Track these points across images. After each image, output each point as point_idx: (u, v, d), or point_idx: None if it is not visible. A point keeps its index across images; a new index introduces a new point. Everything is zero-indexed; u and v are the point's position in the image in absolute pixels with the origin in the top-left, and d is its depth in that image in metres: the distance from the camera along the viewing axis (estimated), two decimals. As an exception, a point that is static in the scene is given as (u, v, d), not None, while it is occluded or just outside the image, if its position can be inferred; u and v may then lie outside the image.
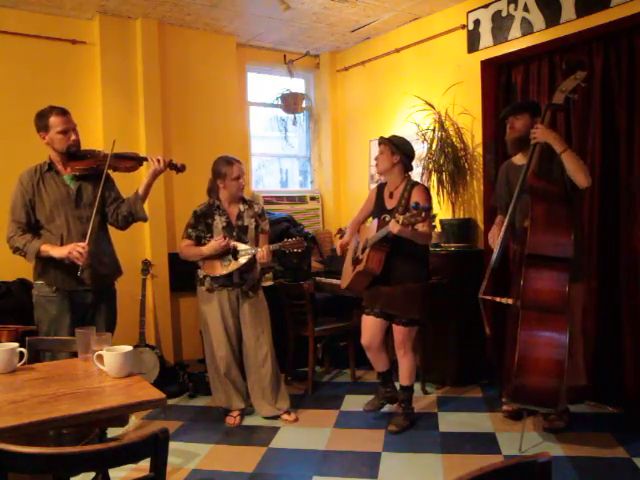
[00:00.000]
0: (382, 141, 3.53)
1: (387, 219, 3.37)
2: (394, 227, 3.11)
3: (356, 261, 3.56)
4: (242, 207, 3.75)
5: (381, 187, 3.67)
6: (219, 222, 3.67)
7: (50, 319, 2.98)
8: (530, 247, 3.01)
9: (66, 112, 3.02)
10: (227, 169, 3.65)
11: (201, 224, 3.69)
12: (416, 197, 3.36)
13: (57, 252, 2.91)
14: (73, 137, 3.01)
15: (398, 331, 3.51)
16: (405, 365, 3.55)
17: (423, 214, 2.97)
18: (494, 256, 3.21)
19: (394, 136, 3.59)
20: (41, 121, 2.99)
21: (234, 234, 3.67)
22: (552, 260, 3.00)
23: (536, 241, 3.01)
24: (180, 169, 3.28)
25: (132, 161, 3.20)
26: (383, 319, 3.56)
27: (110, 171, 3.15)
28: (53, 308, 2.99)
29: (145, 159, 3.23)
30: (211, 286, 3.67)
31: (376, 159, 3.56)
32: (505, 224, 3.19)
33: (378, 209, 3.59)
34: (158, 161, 3.15)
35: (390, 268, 3.42)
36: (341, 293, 4.33)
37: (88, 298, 3.06)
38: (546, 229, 3.02)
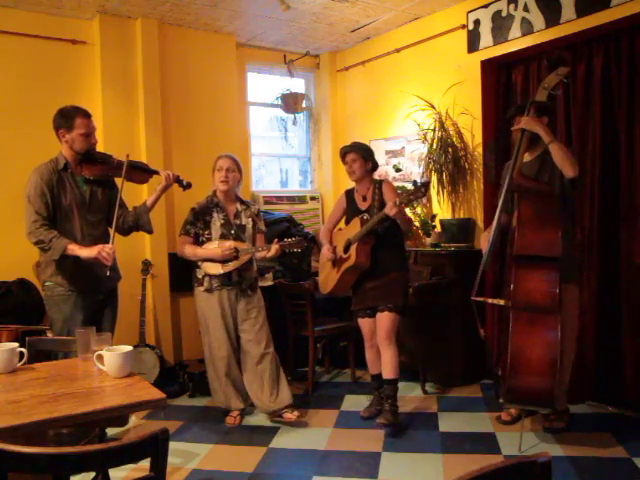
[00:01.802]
0: (352, 150, 3.62)
1: (365, 217, 3.52)
2: (391, 209, 3.23)
3: (339, 262, 3.62)
4: (239, 207, 3.78)
5: (350, 193, 3.78)
6: (217, 219, 3.69)
7: (64, 317, 3.00)
8: (518, 248, 3.01)
9: (90, 115, 3.05)
10: (215, 162, 3.74)
11: (199, 221, 3.71)
12: (387, 191, 3.57)
13: (85, 252, 2.90)
14: (94, 140, 3.04)
15: (384, 318, 3.52)
16: (389, 357, 3.53)
17: (423, 190, 3.16)
18: (484, 258, 3.21)
19: (359, 143, 3.70)
20: (65, 120, 2.98)
21: (232, 232, 3.69)
22: (541, 260, 3.00)
23: (524, 241, 3.00)
24: (186, 186, 3.33)
25: (145, 174, 3.24)
26: (375, 318, 3.63)
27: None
28: (67, 307, 3.00)
29: (156, 172, 3.27)
30: (210, 286, 3.67)
31: (350, 167, 3.62)
32: (494, 222, 3.18)
33: (352, 213, 3.68)
34: (167, 177, 3.21)
35: (373, 262, 3.52)
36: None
37: (100, 296, 3.11)
38: (533, 229, 3.02)
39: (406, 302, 3.59)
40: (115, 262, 3.23)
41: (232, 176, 3.69)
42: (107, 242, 3.14)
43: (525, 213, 3.04)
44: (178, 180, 3.30)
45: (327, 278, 3.75)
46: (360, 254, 3.48)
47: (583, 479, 2.81)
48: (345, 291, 3.73)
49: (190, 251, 3.68)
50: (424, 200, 4.80)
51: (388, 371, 3.55)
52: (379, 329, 3.56)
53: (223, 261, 3.61)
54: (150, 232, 3.33)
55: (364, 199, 3.65)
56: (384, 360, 3.56)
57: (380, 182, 3.64)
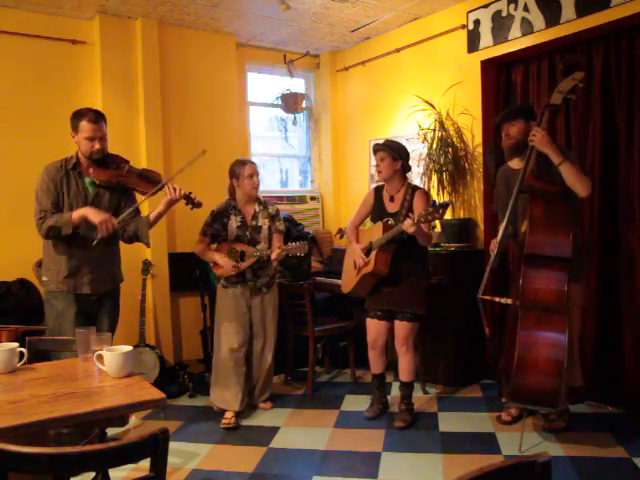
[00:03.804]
0: (381, 148, 3.56)
1: (390, 222, 3.48)
2: (410, 227, 3.18)
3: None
4: (257, 208, 3.87)
5: (379, 190, 3.71)
6: (234, 221, 3.80)
7: (56, 313, 3.02)
8: (529, 247, 3.01)
9: (98, 119, 3.00)
10: (240, 168, 3.79)
11: (217, 223, 3.82)
12: (418, 201, 3.49)
13: (92, 215, 2.89)
14: (97, 146, 2.98)
15: (402, 327, 3.54)
16: (407, 361, 3.60)
17: (440, 211, 3.11)
18: (493, 257, 3.22)
19: (390, 141, 3.62)
20: (74, 121, 3.01)
21: (247, 233, 3.79)
22: (551, 260, 3.00)
23: (535, 241, 3.01)
24: (196, 205, 3.16)
25: (151, 186, 3.10)
26: (386, 320, 3.63)
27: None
28: (59, 303, 3.02)
29: (163, 186, 3.11)
30: (226, 282, 3.81)
31: (378, 166, 3.56)
32: (504, 225, 3.19)
33: (378, 212, 3.64)
34: (174, 190, 3.07)
35: (394, 268, 3.48)
36: (341, 293, 4.33)
37: (93, 296, 3.10)
38: (545, 229, 3.02)
39: (424, 309, 3.57)
40: (118, 265, 3.26)
41: (259, 180, 3.85)
42: (106, 246, 3.11)
43: (536, 213, 3.04)
44: (187, 197, 3.13)
45: (349, 278, 3.73)
46: (379, 261, 3.44)
47: (583, 479, 2.81)
48: (364, 293, 3.70)
49: (201, 251, 3.83)
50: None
51: (404, 374, 3.63)
52: (397, 337, 3.59)
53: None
54: (147, 245, 3.24)
55: (391, 199, 3.60)
56: (401, 364, 3.63)
57: (414, 188, 3.57)
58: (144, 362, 4.19)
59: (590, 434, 3.33)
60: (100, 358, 1.99)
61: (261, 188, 5.61)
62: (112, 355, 1.96)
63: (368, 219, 3.86)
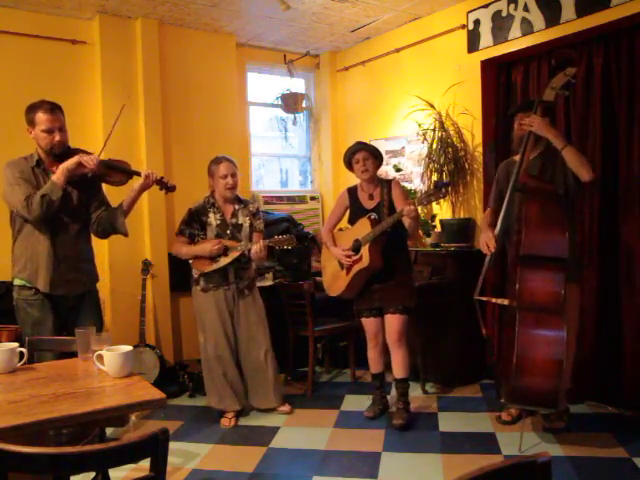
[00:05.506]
0: (364, 148, 3.62)
1: (374, 216, 3.52)
2: (412, 211, 3.25)
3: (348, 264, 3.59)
4: (237, 206, 3.78)
5: (352, 191, 3.76)
6: (213, 220, 3.72)
7: (33, 322, 2.90)
8: (525, 248, 3.01)
9: (55, 109, 2.84)
10: (215, 167, 3.71)
11: (195, 222, 3.73)
12: (397, 190, 3.58)
13: (68, 162, 2.78)
14: (57, 138, 2.83)
15: (395, 320, 3.55)
16: (402, 356, 3.59)
17: (443, 190, 3.22)
18: (488, 257, 3.21)
19: (372, 146, 3.71)
20: (28, 115, 2.86)
21: (228, 232, 3.71)
22: (547, 260, 3.00)
23: (530, 241, 3.00)
24: (169, 188, 3.13)
25: (122, 175, 3.04)
26: (381, 317, 3.65)
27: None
28: (35, 311, 2.90)
29: (136, 173, 3.06)
30: (206, 285, 3.70)
31: (364, 165, 3.59)
32: (500, 221, 3.19)
33: (357, 211, 3.67)
34: (147, 176, 3.00)
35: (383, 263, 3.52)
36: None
37: (69, 300, 2.99)
38: (540, 229, 3.01)
39: (415, 303, 3.62)
40: (90, 262, 3.11)
41: (235, 180, 3.72)
42: (79, 245, 3.02)
43: (531, 213, 3.03)
44: (161, 182, 3.08)
45: (335, 280, 3.71)
46: (373, 255, 3.44)
47: (583, 479, 2.81)
48: (353, 294, 3.69)
49: (180, 249, 3.72)
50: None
51: (400, 371, 3.62)
52: (390, 332, 3.58)
53: (212, 258, 3.63)
54: (125, 235, 3.10)
55: (370, 197, 3.64)
56: (396, 360, 3.61)
57: (389, 182, 3.65)
58: (144, 362, 4.19)
59: (590, 434, 3.33)
60: (100, 358, 1.99)
61: (261, 188, 5.71)
62: (112, 355, 1.96)
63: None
